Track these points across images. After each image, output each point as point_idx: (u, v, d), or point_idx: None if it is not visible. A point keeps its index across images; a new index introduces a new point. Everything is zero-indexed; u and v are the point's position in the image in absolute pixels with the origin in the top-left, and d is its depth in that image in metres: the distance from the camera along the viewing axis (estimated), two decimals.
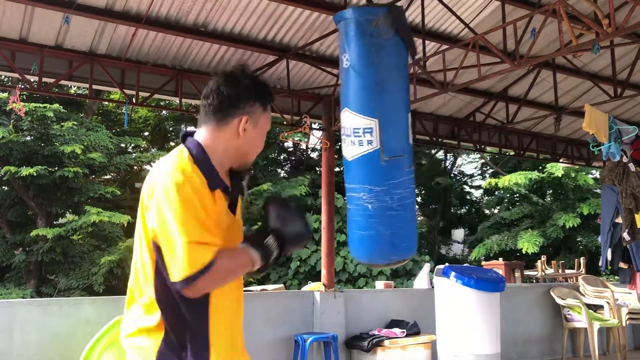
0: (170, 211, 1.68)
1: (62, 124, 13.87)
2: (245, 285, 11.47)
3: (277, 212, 1.92)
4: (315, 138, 7.88)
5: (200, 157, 1.81)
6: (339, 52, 4.06)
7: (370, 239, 4.16)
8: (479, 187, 23.41)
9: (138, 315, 1.78)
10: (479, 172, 23.80)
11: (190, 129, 1.92)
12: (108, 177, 16.77)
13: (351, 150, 4.05)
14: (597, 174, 16.58)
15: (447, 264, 6.26)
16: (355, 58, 4.01)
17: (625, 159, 7.62)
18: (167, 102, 13.43)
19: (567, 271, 11.53)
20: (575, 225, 15.59)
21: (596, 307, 7.53)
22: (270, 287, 8.21)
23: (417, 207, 23.14)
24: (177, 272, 1.66)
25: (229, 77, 1.90)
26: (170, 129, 20.75)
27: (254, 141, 1.94)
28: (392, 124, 4.10)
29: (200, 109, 1.91)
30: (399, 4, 6.16)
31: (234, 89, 1.87)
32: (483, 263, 11.86)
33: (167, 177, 1.73)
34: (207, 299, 1.76)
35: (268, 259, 1.84)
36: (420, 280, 7.77)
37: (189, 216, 1.68)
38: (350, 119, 4.03)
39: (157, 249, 1.74)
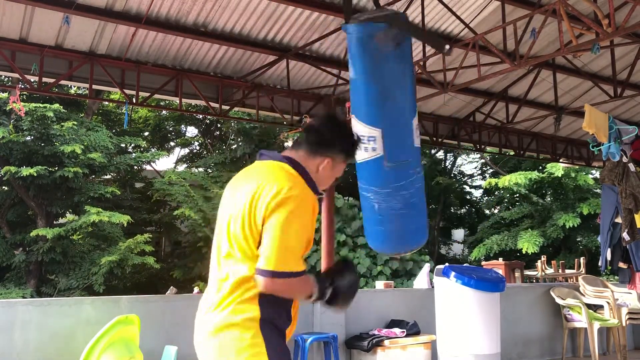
0: (291, 222, 1.95)
1: (62, 124, 13.87)
2: None
3: (341, 268, 2.20)
4: None
5: (303, 172, 2.12)
6: (348, 60, 4.33)
7: (378, 234, 4.65)
8: (479, 187, 23.40)
9: (234, 292, 2.01)
10: (479, 172, 23.80)
11: (264, 150, 2.24)
12: (108, 177, 16.77)
13: (359, 154, 4.35)
14: (597, 174, 16.58)
15: (447, 264, 6.25)
16: (359, 71, 4.25)
17: (625, 159, 7.62)
18: (167, 102, 13.43)
19: (567, 271, 11.52)
20: (575, 225, 15.59)
21: (596, 307, 7.52)
22: None
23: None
24: (271, 262, 1.92)
25: (331, 123, 2.21)
26: (170, 129, 20.76)
27: (325, 179, 2.22)
28: (396, 131, 4.39)
29: (302, 134, 2.23)
30: (399, 4, 6.17)
31: (330, 136, 2.17)
32: (483, 263, 11.85)
33: (293, 191, 1.98)
34: None
35: (318, 299, 2.11)
36: (420, 280, 7.77)
37: (303, 233, 2.00)
38: (357, 127, 4.33)
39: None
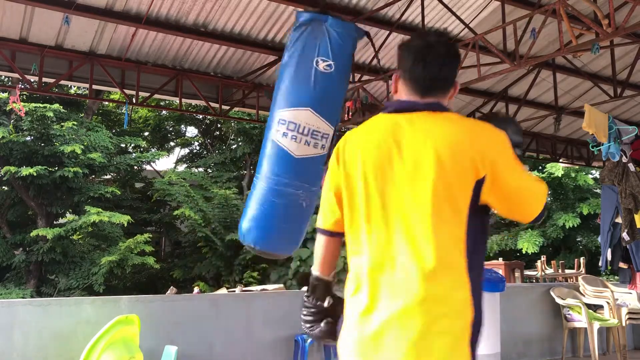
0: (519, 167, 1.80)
1: (62, 124, 13.87)
2: (245, 285, 11.48)
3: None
4: None
5: None
6: (304, 51, 4.22)
7: (292, 232, 4.52)
8: None
9: (448, 289, 1.62)
10: None
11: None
12: (108, 177, 16.77)
13: (302, 149, 4.23)
14: (597, 174, 16.58)
15: None
16: (340, 68, 4.22)
17: (624, 159, 7.61)
18: (167, 102, 13.43)
19: (567, 271, 11.52)
20: (575, 225, 15.59)
21: (596, 307, 7.52)
22: (270, 287, 8.21)
23: None
24: (537, 210, 1.80)
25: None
26: (170, 129, 20.76)
27: None
28: (335, 133, 4.37)
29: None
30: (399, 4, 6.17)
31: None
32: None
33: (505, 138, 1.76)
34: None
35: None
36: None
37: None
38: (313, 121, 4.21)
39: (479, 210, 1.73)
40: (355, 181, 1.73)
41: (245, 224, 4.56)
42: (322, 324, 1.83)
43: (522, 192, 1.80)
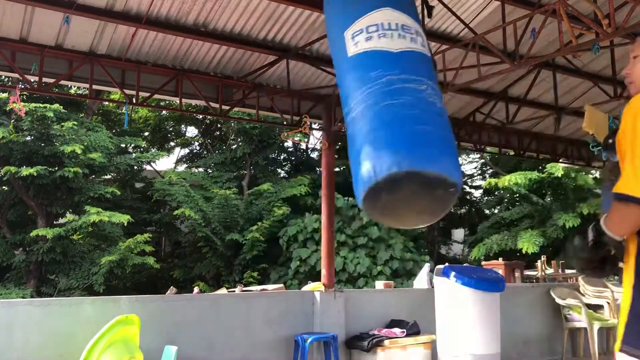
0: None
1: (62, 124, 13.87)
2: (245, 285, 11.47)
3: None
4: (315, 138, 7.88)
5: None
6: None
7: (429, 135, 2.95)
8: (479, 187, 23.40)
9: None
10: (479, 172, 23.79)
11: None
12: (108, 177, 16.78)
13: (398, 42, 3.11)
14: (597, 174, 16.58)
15: (447, 264, 6.25)
16: None
17: None
18: (167, 102, 13.44)
19: (567, 271, 11.51)
20: (575, 225, 15.58)
21: (596, 307, 7.53)
22: (270, 287, 8.21)
23: None
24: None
25: None
26: (170, 129, 20.76)
27: None
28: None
29: None
30: None
31: None
32: (483, 263, 11.84)
33: None
34: None
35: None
36: (420, 280, 7.77)
37: None
38: (396, 17, 3.22)
39: None
40: None
41: (369, 162, 2.86)
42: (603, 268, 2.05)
43: None
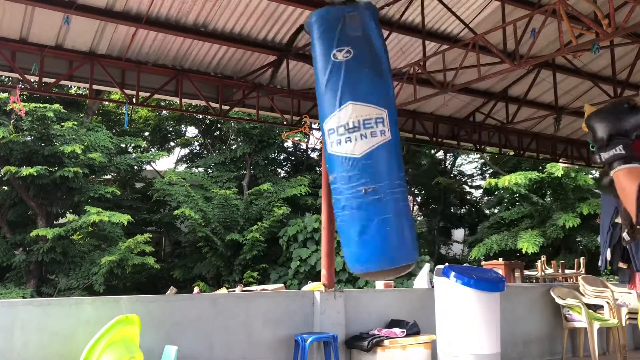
0: None
1: (62, 124, 13.88)
2: (245, 285, 11.47)
3: None
4: (315, 138, 7.88)
5: None
6: (323, 50, 3.92)
7: (399, 236, 3.86)
8: (479, 187, 23.40)
9: None
10: (479, 172, 23.80)
11: None
12: (108, 177, 16.79)
13: (362, 145, 3.76)
14: (597, 174, 16.57)
15: (447, 264, 6.25)
16: (361, 46, 3.87)
17: None
18: (167, 102, 13.44)
19: (567, 271, 11.51)
20: (575, 225, 15.59)
21: (596, 307, 7.52)
22: (270, 287, 8.20)
23: (417, 206, 23.11)
24: None
25: None
26: (170, 129, 20.76)
27: None
28: (393, 114, 3.94)
29: None
30: (399, 4, 6.17)
31: None
32: (483, 263, 11.85)
33: None
34: None
35: None
36: (420, 280, 7.77)
37: None
38: (358, 111, 3.78)
39: None
40: None
41: (354, 252, 3.96)
42: None
43: None
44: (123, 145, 17.08)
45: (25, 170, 12.82)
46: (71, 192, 14.26)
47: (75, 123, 14.16)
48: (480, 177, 23.61)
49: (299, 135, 8.84)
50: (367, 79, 3.90)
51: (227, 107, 7.51)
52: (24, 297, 12.16)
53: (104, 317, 4.95)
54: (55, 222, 14.69)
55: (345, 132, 3.83)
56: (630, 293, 7.90)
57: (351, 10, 3.94)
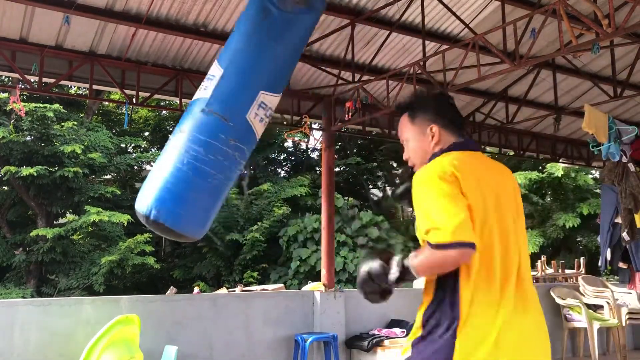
0: None
1: (62, 124, 13.88)
2: (245, 285, 11.48)
3: None
4: (315, 138, 7.88)
5: None
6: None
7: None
8: None
9: None
10: None
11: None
12: (108, 177, 16.78)
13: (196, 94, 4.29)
14: (597, 174, 16.58)
15: None
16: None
17: (624, 159, 7.62)
18: (167, 102, 13.43)
19: (567, 271, 11.51)
20: (575, 225, 15.59)
21: (596, 307, 7.53)
22: (270, 287, 8.21)
23: None
24: None
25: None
26: (170, 129, 20.74)
27: None
28: (237, 85, 4.09)
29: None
30: (399, 4, 6.17)
31: None
32: None
33: None
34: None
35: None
36: (420, 280, 7.77)
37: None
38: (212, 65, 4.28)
39: None
40: (479, 208, 1.92)
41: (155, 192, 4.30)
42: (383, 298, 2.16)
43: None
44: (123, 145, 17.07)
45: (25, 170, 12.82)
46: (71, 192, 14.26)
47: (75, 123, 14.16)
48: None
49: (299, 135, 8.85)
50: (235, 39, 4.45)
51: None
52: (24, 297, 12.16)
53: (103, 317, 4.96)
54: (55, 222, 14.69)
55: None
56: (630, 293, 7.90)
57: None
